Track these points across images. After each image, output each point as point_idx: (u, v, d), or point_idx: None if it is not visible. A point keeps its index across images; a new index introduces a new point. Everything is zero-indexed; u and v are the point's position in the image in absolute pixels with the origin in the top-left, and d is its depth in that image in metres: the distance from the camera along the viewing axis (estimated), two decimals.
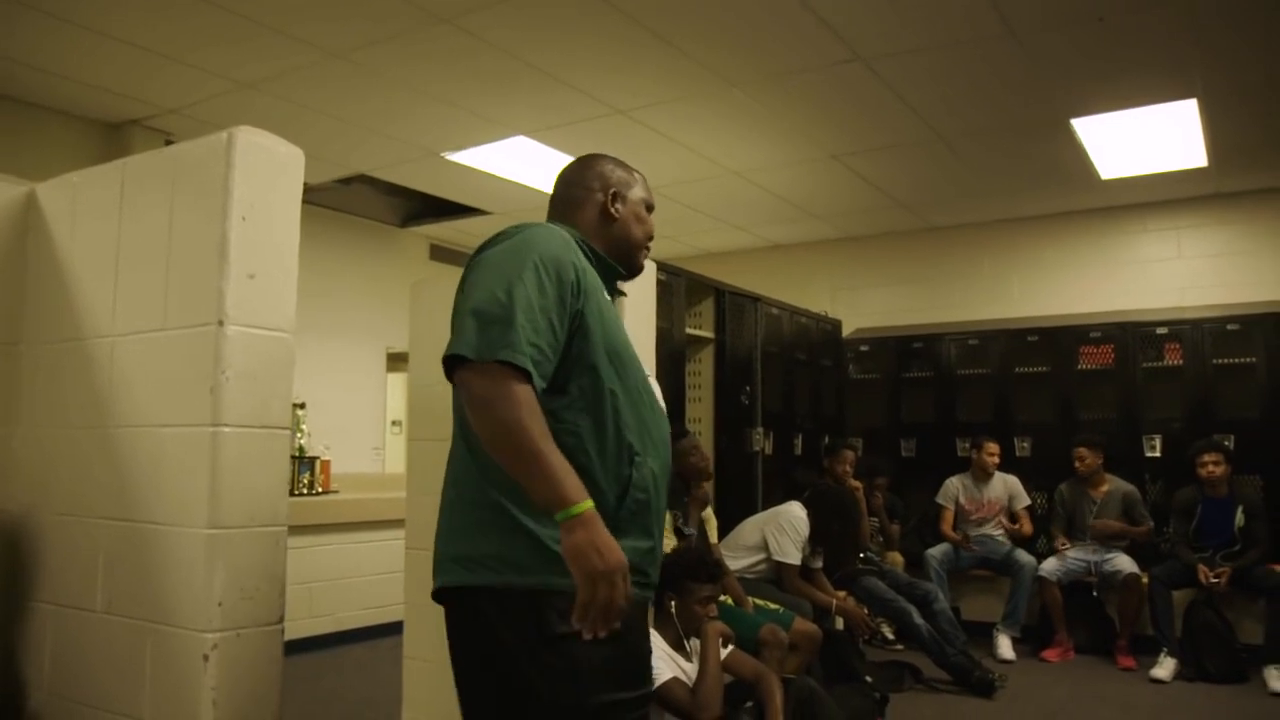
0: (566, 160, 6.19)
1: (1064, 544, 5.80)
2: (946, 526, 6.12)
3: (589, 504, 1.58)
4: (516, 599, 1.66)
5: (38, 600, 2.47)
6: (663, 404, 2.07)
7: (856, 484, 5.43)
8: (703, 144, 5.61)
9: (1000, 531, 6.02)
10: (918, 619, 5.01)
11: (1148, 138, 5.42)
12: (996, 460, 6.05)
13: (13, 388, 2.60)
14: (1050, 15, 3.96)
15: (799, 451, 5.99)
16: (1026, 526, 6.02)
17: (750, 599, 4.16)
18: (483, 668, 1.71)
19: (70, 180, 2.57)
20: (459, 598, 1.74)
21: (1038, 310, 6.96)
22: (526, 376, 1.62)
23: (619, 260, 2.00)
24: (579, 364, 1.75)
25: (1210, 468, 5.35)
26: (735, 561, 4.51)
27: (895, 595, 5.12)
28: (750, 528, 4.70)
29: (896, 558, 6.08)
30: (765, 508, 5.15)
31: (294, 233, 2.26)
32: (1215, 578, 5.19)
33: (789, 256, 8.17)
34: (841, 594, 4.85)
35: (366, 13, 3.99)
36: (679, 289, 4.78)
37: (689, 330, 4.98)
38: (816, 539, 4.61)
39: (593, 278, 1.83)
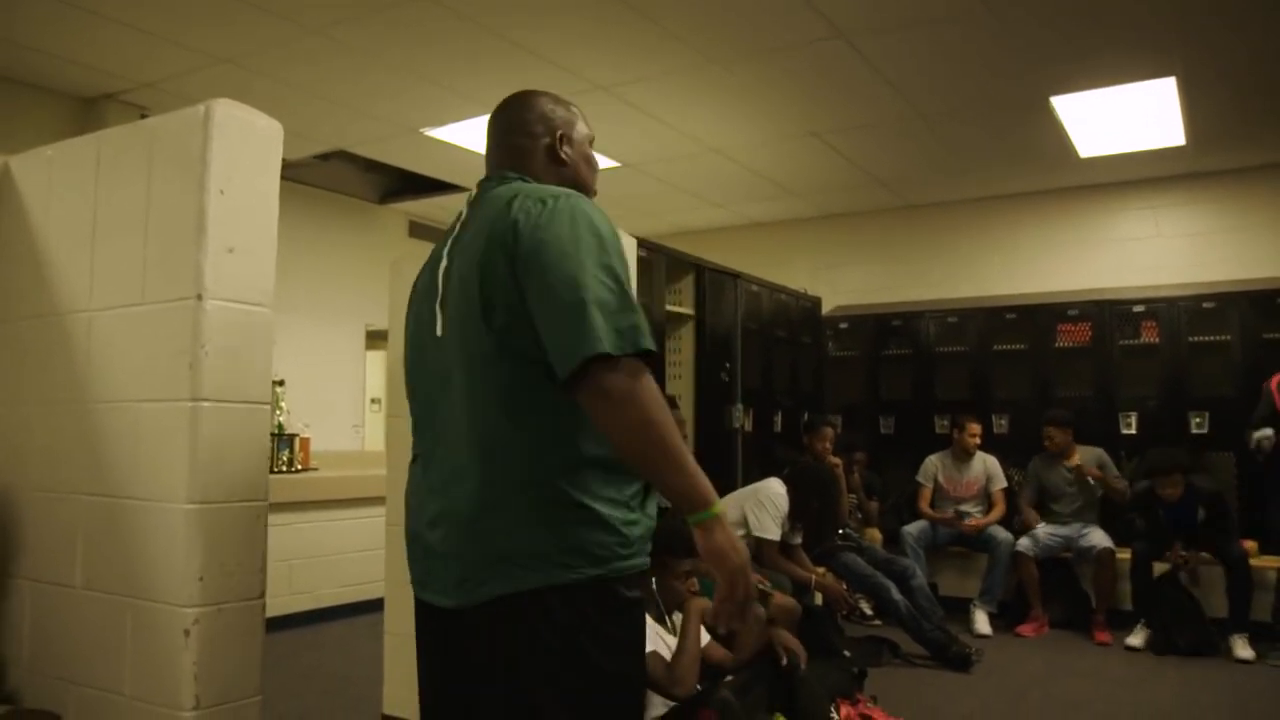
0: None
1: (1034, 519, 5.87)
2: (924, 505, 6.17)
3: (723, 507, 1.57)
4: (585, 589, 1.58)
5: (15, 576, 2.46)
6: None
7: (836, 460, 5.46)
8: (683, 120, 5.60)
9: (980, 509, 6.08)
10: (896, 595, 5.07)
11: (1126, 116, 5.45)
12: (978, 441, 6.10)
13: None
14: None
15: (778, 429, 6.02)
16: (999, 510, 6.05)
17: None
18: (556, 665, 1.59)
19: (45, 153, 2.53)
20: (521, 603, 1.59)
21: (1016, 288, 7.00)
22: (651, 365, 1.56)
23: None
24: None
25: (1169, 490, 5.31)
26: None
27: (873, 571, 5.18)
28: (729, 504, 4.73)
29: (875, 534, 6.14)
30: (745, 484, 5.18)
31: (273, 206, 2.24)
32: (1183, 559, 5.26)
33: (769, 234, 8.18)
34: (820, 570, 4.89)
35: None
36: (659, 266, 4.78)
37: (669, 307, 4.98)
38: (796, 515, 4.64)
39: None
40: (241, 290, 2.14)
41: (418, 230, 7.90)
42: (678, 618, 3.42)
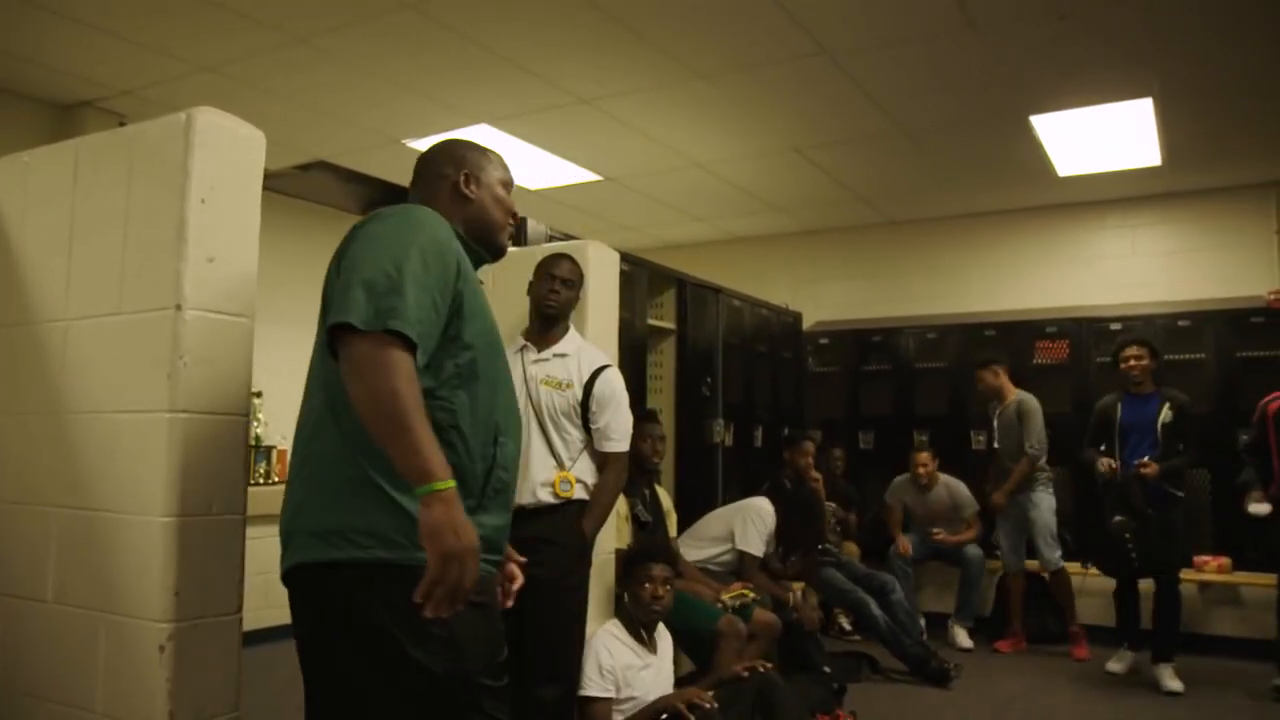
0: (530, 151, 6.15)
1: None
2: (894, 526, 6.18)
3: (451, 484, 1.60)
4: (387, 573, 1.68)
5: None
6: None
7: (817, 476, 5.46)
8: (666, 134, 5.60)
9: (952, 530, 6.08)
10: (875, 610, 5.08)
11: (1105, 136, 5.50)
12: (927, 470, 6.10)
13: None
14: (1013, 11, 4.00)
15: (759, 443, 6.02)
16: (970, 534, 6.04)
17: (732, 587, 4.17)
18: (352, 645, 1.73)
19: (21, 159, 2.49)
20: (318, 574, 1.74)
21: (995, 305, 7.04)
22: (410, 348, 1.65)
23: (479, 242, 2.03)
24: (456, 343, 1.81)
25: (1132, 362, 5.10)
26: (698, 552, 4.52)
27: (853, 586, 5.19)
28: (715, 520, 4.72)
29: (852, 548, 6.13)
30: (726, 499, 5.17)
31: (255, 216, 2.22)
32: (1143, 469, 4.85)
33: (750, 249, 8.19)
34: (799, 586, 4.88)
35: None
36: (641, 279, 4.77)
37: (651, 321, 4.97)
38: (779, 534, 4.64)
39: (466, 262, 1.87)
40: (222, 300, 2.11)
41: None
42: (655, 635, 3.41)
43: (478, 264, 2.03)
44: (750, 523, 4.56)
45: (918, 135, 5.58)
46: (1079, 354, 6.42)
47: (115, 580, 2.09)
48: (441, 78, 4.77)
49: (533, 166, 6.19)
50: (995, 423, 5.80)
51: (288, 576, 1.80)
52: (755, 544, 4.53)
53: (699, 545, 4.58)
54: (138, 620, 2.03)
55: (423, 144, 5.79)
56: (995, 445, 5.82)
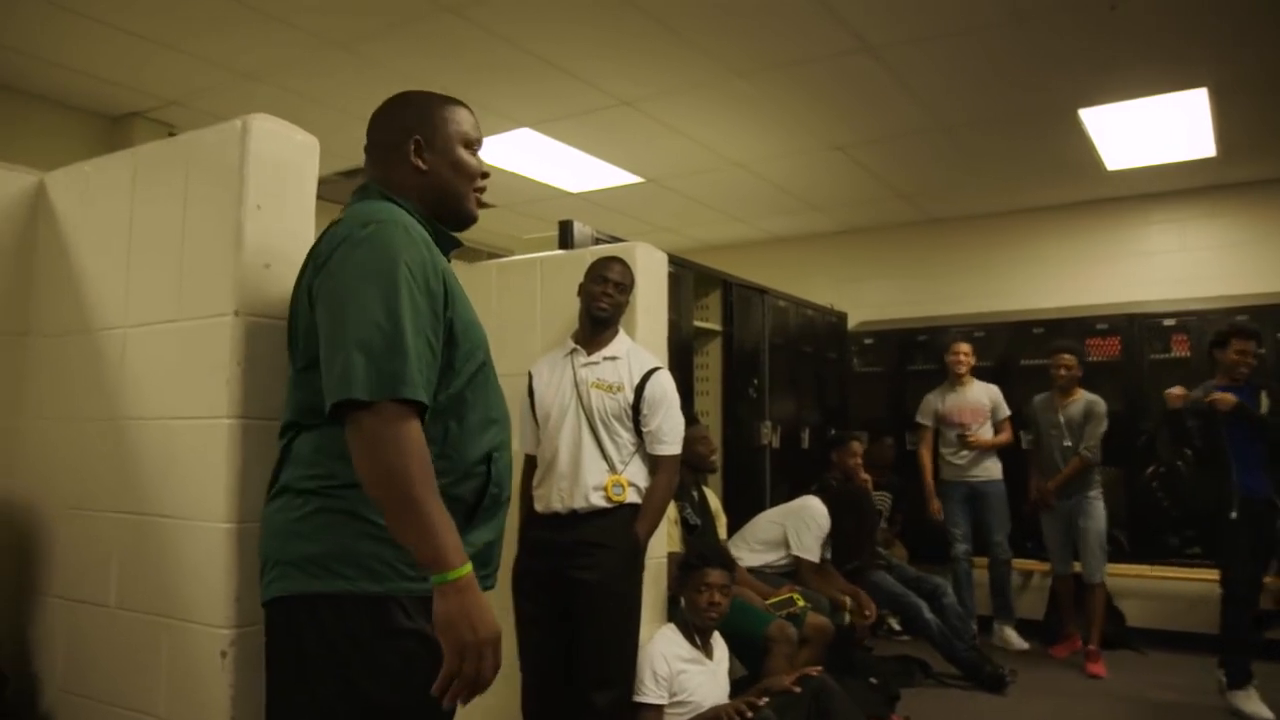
0: (572, 153, 6.15)
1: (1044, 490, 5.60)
2: (925, 449, 6.04)
3: (467, 569, 1.51)
4: (360, 603, 1.58)
5: (48, 594, 2.43)
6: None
7: (866, 477, 5.39)
8: (706, 135, 5.58)
9: (979, 443, 5.86)
10: (927, 614, 5.00)
11: (1156, 128, 5.39)
12: (965, 360, 5.95)
13: (20, 380, 2.55)
14: (1061, 2, 3.92)
15: (806, 445, 5.96)
16: (1006, 436, 5.87)
17: (779, 591, 4.12)
18: (306, 671, 1.62)
19: (81, 169, 2.52)
20: (293, 604, 1.64)
21: (1043, 302, 6.94)
22: (419, 411, 1.55)
23: (444, 219, 1.85)
24: (446, 373, 1.68)
25: (1235, 356, 4.62)
26: (753, 557, 4.47)
27: (904, 590, 5.10)
28: (767, 524, 4.64)
29: (900, 550, 6.06)
30: (773, 501, 5.12)
31: (309, 221, 2.22)
32: (1219, 401, 4.46)
33: (790, 249, 8.14)
34: (852, 589, 4.81)
35: (371, 3, 3.95)
36: (686, 281, 4.74)
37: (696, 323, 4.94)
38: (833, 535, 4.57)
39: (449, 271, 1.73)
40: (278, 306, 2.10)
41: None
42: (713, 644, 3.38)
43: (449, 245, 1.88)
44: (805, 527, 4.49)
45: (961, 131, 5.51)
46: (1131, 351, 6.30)
47: (176, 586, 2.10)
48: (482, 82, 4.78)
49: (574, 169, 6.19)
50: (1060, 418, 5.54)
51: (269, 605, 1.70)
52: (812, 549, 4.46)
53: (753, 550, 4.52)
54: (199, 626, 2.03)
55: None
56: (1053, 446, 5.58)
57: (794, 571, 4.47)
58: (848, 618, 4.50)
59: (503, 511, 1.83)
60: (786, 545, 4.49)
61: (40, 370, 2.54)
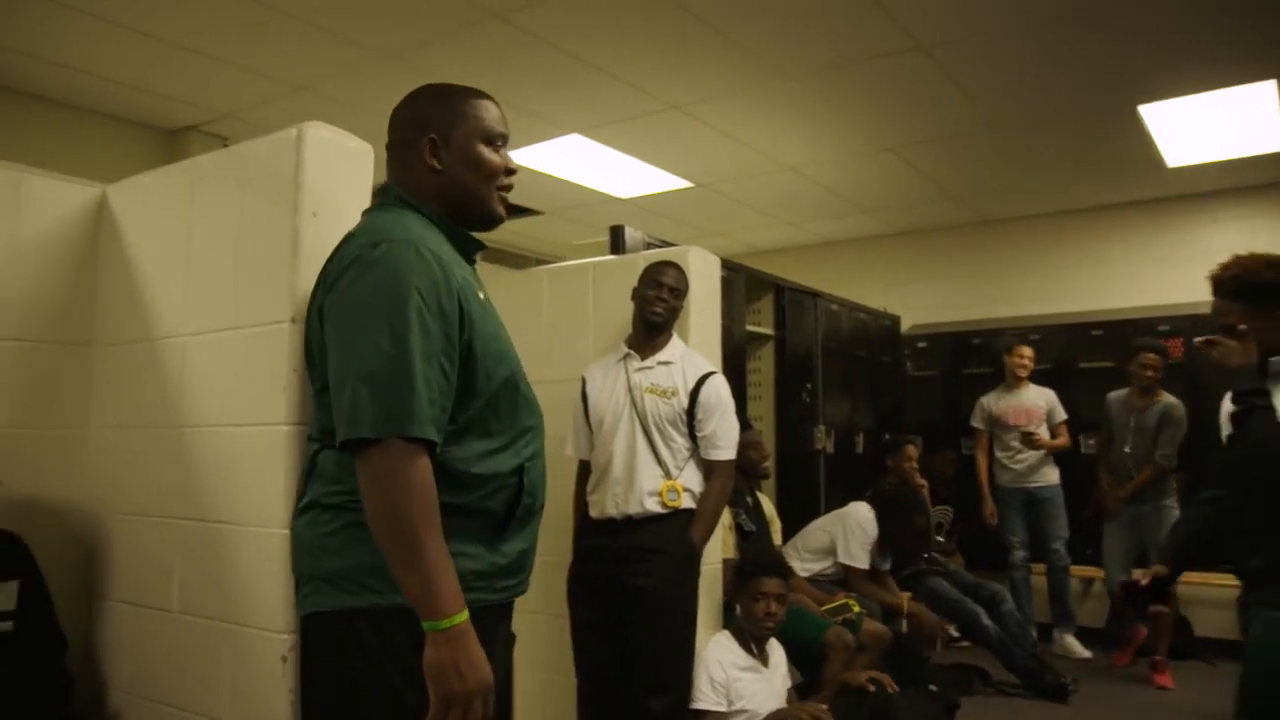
0: (622, 159, 6.14)
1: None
2: (980, 453, 5.92)
3: (462, 616, 1.49)
4: (393, 615, 1.55)
5: (114, 599, 2.47)
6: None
7: (922, 482, 5.31)
8: (756, 138, 5.54)
9: (1041, 443, 5.69)
10: (985, 621, 4.90)
11: (1220, 122, 5.24)
12: (1027, 364, 5.82)
13: (85, 388, 2.60)
14: None
15: (860, 450, 5.90)
16: (1064, 439, 5.72)
17: (834, 597, 4.07)
18: (348, 679, 1.61)
19: (141, 181, 2.57)
20: (330, 619, 1.63)
21: (1101, 304, 6.78)
22: (428, 447, 1.52)
23: (464, 220, 1.78)
24: (468, 394, 1.63)
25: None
26: (804, 566, 4.43)
27: (961, 596, 5.02)
28: (817, 531, 4.61)
29: (958, 558, 5.97)
30: (829, 507, 5.07)
31: None
32: None
33: (841, 252, 8.07)
34: (907, 595, 4.75)
35: (418, 11, 3.97)
36: (738, 285, 4.72)
37: (749, 327, 4.91)
38: (883, 539, 4.52)
39: (466, 285, 1.66)
40: None
41: (493, 255, 7.91)
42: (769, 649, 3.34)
43: (472, 247, 1.81)
44: (851, 534, 4.44)
45: (1016, 130, 5.41)
46: (1195, 352, 6.10)
47: (237, 591, 2.11)
48: (531, 88, 4.79)
49: (624, 175, 6.19)
50: (1132, 422, 5.38)
51: (306, 619, 1.72)
52: (859, 556, 4.41)
53: (804, 559, 4.49)
54: (260, 631, 2.04)
55: (516, 157, 5.80)
56: (1126, 448, 5.40)
57: (845, 582, 4.41)
58: (905, 624, 4.44)
59: (536, 520, 1.80)
60: (834, 553, 4.43)
61: (104, 379, 2.59)
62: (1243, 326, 2.33)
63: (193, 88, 4.76)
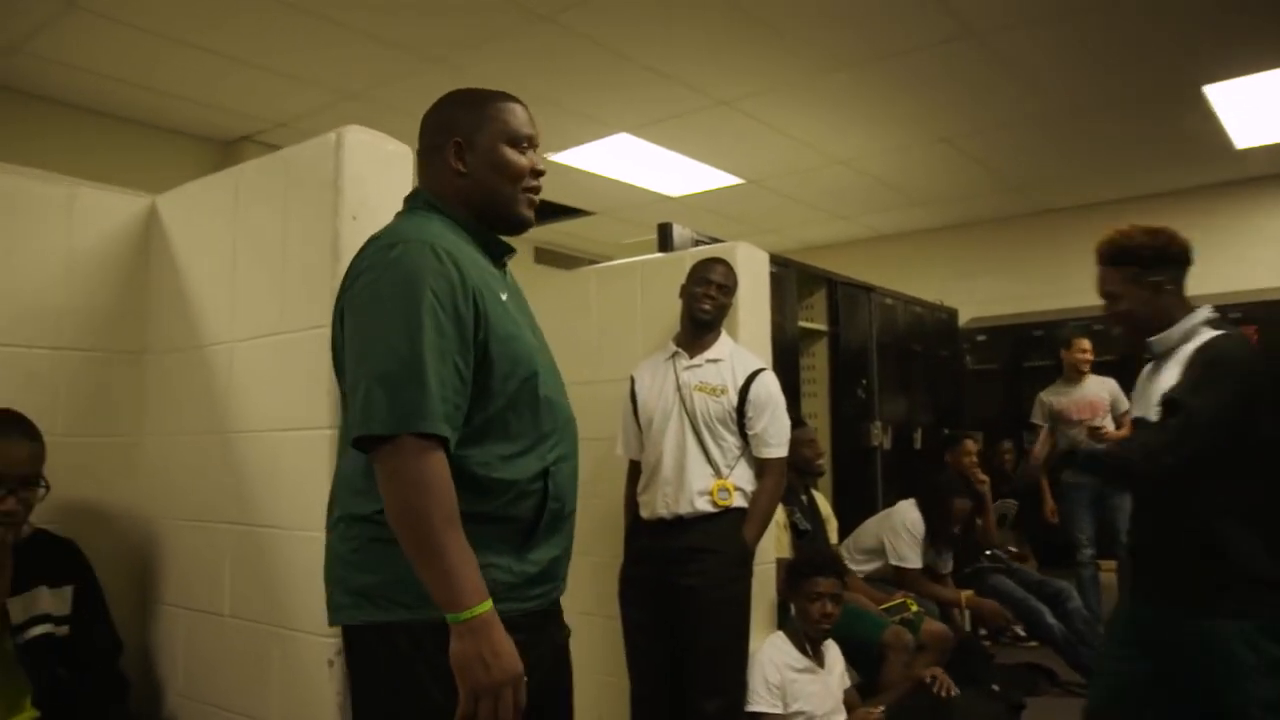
0: (672, 157, 6.11)
1: None
2: (1040, 450, 5.67)
3: (485, 606, 1.48)
4: (428, 629, 1.53)
5: (169, 603, 2.50)
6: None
7: (983, 478, 5.18)
8: (807, 132, 5.48)
9: (1109, 436, 5.49)
10: (1050, 619, 4.76)
11: None
12: (1087, 358, 5.63)
13: (140, 396, 2.63)
14: None
15: (918, 445, 5.79)
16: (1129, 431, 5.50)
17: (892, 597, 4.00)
18: (389, 693, 1.60)
19: (188, 190, 2.60)
20: (367, 632, 1.63)
21: None
22: (442, 444, 1.51)
23: (489, 223, 1.77)
24: (485, 395, 1.62)
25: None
26: (858, 567, 4.35)
27: (1025, 594, 4.87)
28: (867, 532, 4.52)
29: (1031, 561, 5.82)
30: (887, 504, 4.98)
31: None
32: None
33: (897, 246, 7.96)
34: (967, 592, 4.64)
35: (463, 13, 3.99)
36: (789, 281, 4.64)
37: (801, 323, 4.84)
38: (933, 536, 4.41)
39: (485, 286, 1.65)
40: None
41: (543, 256, 7.96)
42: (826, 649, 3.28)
43: (501, 251, 1.80)
44: (898, 534, 4.35)
45: (1074, 116, 5.28)
46: (1272, 339, 5.92)
47: (285, 595, 2.12)
48: (578, 89, 4.78)
49: (674, 173, 6.16)
50: None
51: (346, 629, 1.72)
52: (909, 556, 4.31)
53: (856, 560, 4.41)
54: (307, 634, 2.05)
55: (566, 158, 5.84)
56: None
57: (898, 579, 4.31)
58: (966, 618, 4.33)
59: (567, 525, 1.77)
60: (884, 554, 4.34)
61: (157, 387, 2.62)
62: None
63: (246, 99, 4.84)
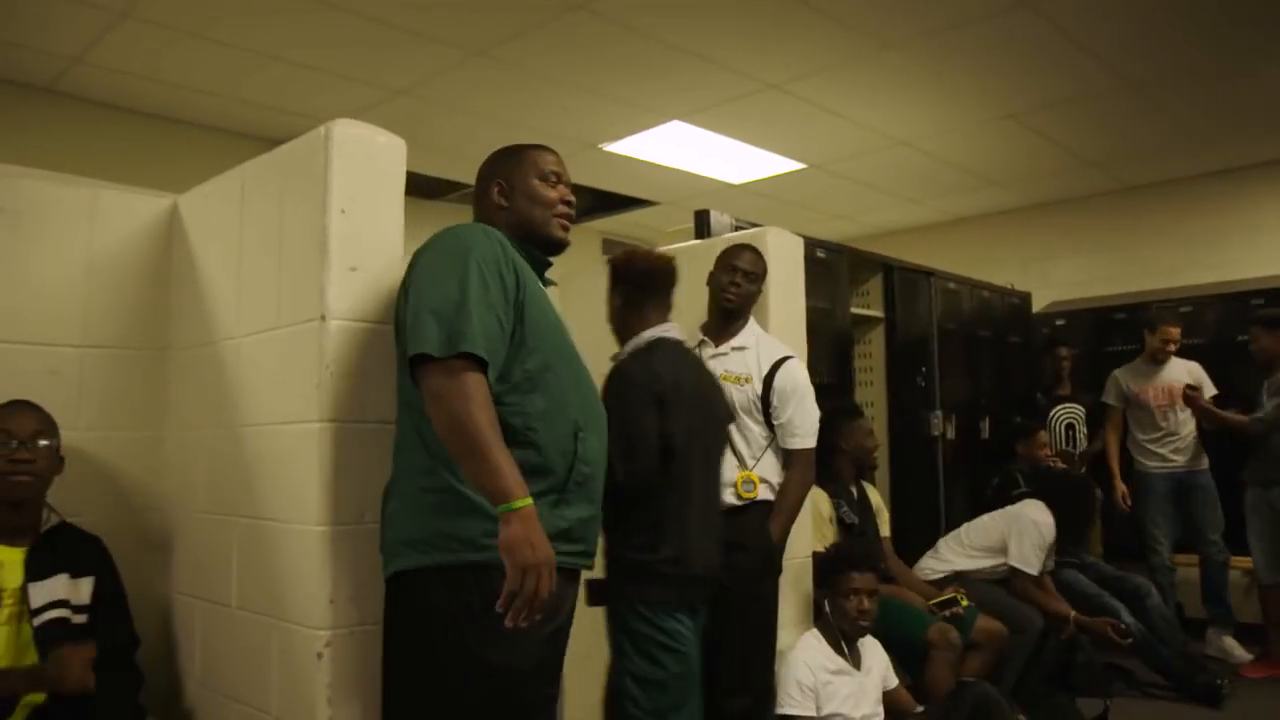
0: (727, 143, 6.04)
1: None
2: (1112, 433, 5.47)
3: (528, 501, 1.71)
4: (466, 572, 1.78)
5: (186, 594, 2.56)
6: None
7: (1064, 466, 4.94)
8: (863, 114, 5.32)
9: (1189, 424, 5.23)
10: (1127, 617, 4.50)
11: None
12: (1173, 347, 5.30)
13: (162, 392, 2.69)
14: None
15: (986, 435, 5.58)
16: (1235, 415, 5.04)
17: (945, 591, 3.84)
18: (427, 642, 1.82)
19: (202, 190, 2.64)
20: (410, 580, 1.84)
21: (1260, 270, 6.21)
22: (482, 366, 1.77)
23: (530, 243, 2.07)
24: (523, 349, 1.89)
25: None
26: (967, 561, 4.17)
27: (1099, 591, 4.61)
28: (989, 528, 4.28)
29: (1096, 547, 5.53)
30: (949, 496, 4.82)
31: (397, 223, 2.21)
32: None
33: (972, 229, 7.70)
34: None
35: (505, 6, 3.97)
36: (840, 267, 4.50)
37: (855, 310, 4.69)
38: (1060, 544, 4.20)
39: (525, 269, 1.96)
40: (365, 309, 2.12)
41: (611, 247, 7.92)
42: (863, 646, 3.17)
43: (542, 265, 2.12)
44: (1025, 535, 4.10)
45: (1151, 87, 4.99)
46: None
47: (282, 588, 2.14)
48: (623, 78, 4.73)
49: (732, 160, 6.06)
50: (1263, 395, 4.90)
51: (389, 583, 1.92)
52: (1032, 561, 4.07)
53: (968, 554, 4.20)
54: (300, 627, 2.06)
55: (618, 147, 5.80)
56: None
57: (1007, 581, 4.12)
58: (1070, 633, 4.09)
59: (593, 489, 1.99)
60: (1005, 553, 4.13)
61: (177, 382, 2.68)
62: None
63: (297, 99, 4.93)
